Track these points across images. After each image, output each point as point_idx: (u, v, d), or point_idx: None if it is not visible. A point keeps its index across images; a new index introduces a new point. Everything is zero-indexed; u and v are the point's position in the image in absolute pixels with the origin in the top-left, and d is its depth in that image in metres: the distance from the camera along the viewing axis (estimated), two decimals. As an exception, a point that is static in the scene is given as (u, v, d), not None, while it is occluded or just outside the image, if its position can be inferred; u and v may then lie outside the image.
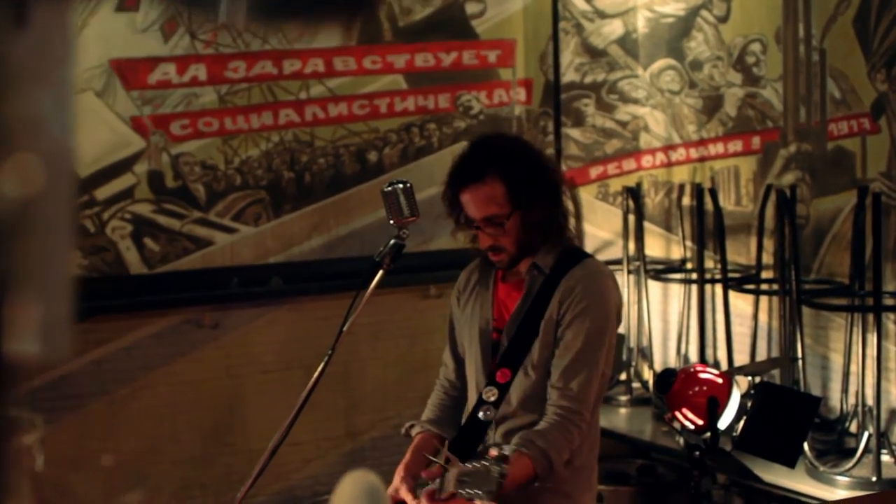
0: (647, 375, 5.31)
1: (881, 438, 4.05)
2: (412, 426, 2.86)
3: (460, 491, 2.36)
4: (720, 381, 3.29)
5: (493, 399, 2.63)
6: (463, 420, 2.77)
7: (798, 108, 4.84)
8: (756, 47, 5.01)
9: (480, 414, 2.65)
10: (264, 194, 4.95)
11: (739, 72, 5.08)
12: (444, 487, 2.39)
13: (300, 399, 2.76)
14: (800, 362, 4.40)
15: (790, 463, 3.45)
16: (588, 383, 2.57)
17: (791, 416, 3.46)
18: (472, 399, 2.75)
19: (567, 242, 2.71)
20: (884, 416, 4.22)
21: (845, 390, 4.48)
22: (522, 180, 2.57)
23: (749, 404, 3.52)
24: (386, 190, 2.95)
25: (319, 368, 2.75)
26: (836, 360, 4.60)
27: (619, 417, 5.17)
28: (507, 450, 2.26)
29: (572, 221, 2.76)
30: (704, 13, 5.23)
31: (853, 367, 4.45)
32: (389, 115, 5.17)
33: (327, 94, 5.04)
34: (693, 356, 5.09)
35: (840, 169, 4.65)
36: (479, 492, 2.30)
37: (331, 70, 5.04)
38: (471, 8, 5.32)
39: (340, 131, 5.08)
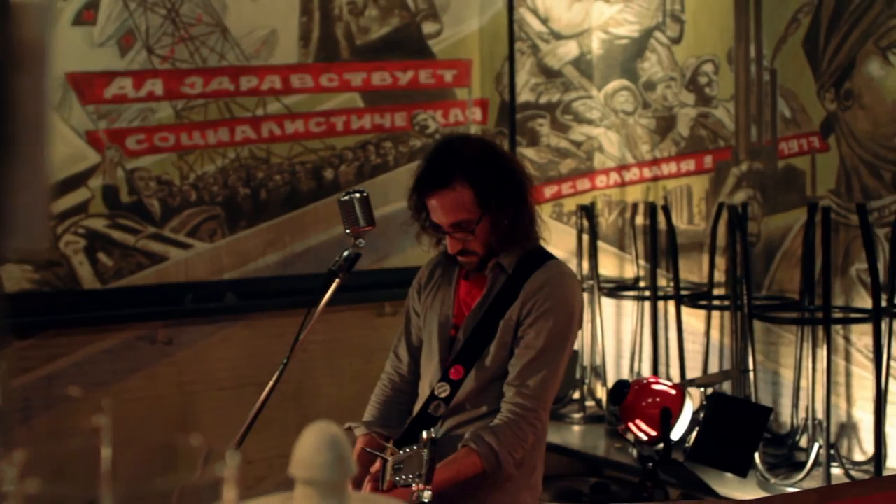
0: (601, 393, 5.33)
1: (831, 451, 4.10)
2: (354, 427, 2.81)
3: (397, 478, 2.37)
4: (673, 392, 3.32)
5: (444, 395, 2.62)
6: (413, 414, 2.76)
7: (749, 128, 4.91)
8: (708, 68, 5.09)
9: (430, 408, 2.65)
10: (220, 210, 4.94)
11: (692, 92, 5.15)
12: (384, 478, 2.40)
13: (250, 414, 2.75)
14: (751, 376, 4.45)
15: (742, 472, 3.48)
16: (546, 383, 2.56)
17: (742, 427, 3.50)
18: (423, 394, 2.74)
19: (533, 243, 2.71)
20: (833, 429, 4.27)
21: (795, 405, 4.53)
22: (490, 185, 2.54)
23: (701, 416, 3.54)
24: (343, 199, 2.95)
25: (272, 381, 2.74)
26: (787, 375, 4.66)
27: (573, 435, 5.18)
28: (435, 433, 2.25)
29: (538, 222, 2.76)
30: (658, 35, 5.30)
31: (803, 383, 4.51)
32: (346, 133, 5.19)
33: (284, 111, 5.05)
34: (646, 373, 5.12)
35: (790, 187, 4.72)
36: (412, 476, 2.30)
37: (288, 87, 5.05)
38: (427, 28, 5.36)
39: (297, 148, 5.09)
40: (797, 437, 4.48)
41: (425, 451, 2.21)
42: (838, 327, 4.33)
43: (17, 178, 0.48)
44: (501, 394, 2.57)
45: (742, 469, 3.48)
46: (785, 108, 4.76)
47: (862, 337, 4.42)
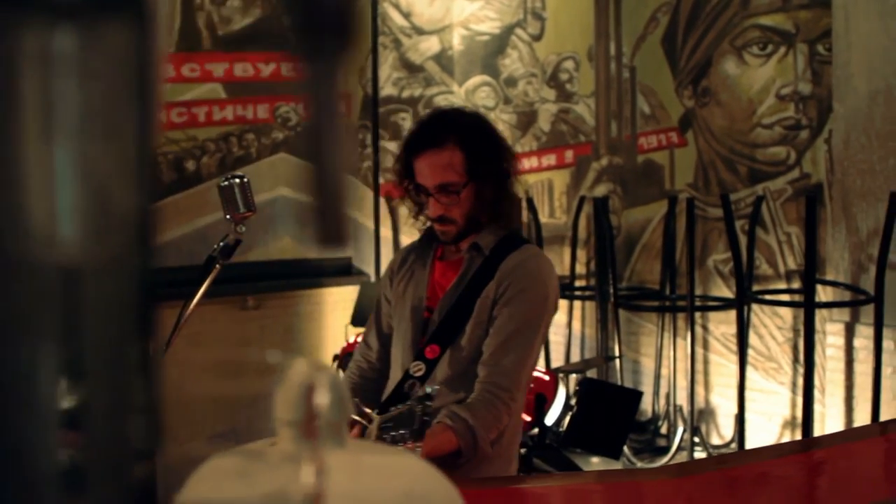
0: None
1: (694, 434, 4.24)
2: None
3: (384, 436, 2.32)
4: (547, 378, 3.38)
5: (419, 374, 2.57)
6: (384, 397, 2.71)
7: (609, 123, 5.04)
8: (569, 65, 5.20)
9: (406, 387, 2.60)
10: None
11: (553, 88, 5.25)
12: (369, 438, 2.34)
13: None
14: (617, 363, 4.56)
15: (615, 455, 3.57)
16: (520, 364, 2.55)
17: (614, 411, 3.59)
18: (394, 377, 2.69)
19: (512, 225, 2.68)
20: (695, 415, 4.41)
21: (656, 392, 4.67)
22: (480, 153, 2.51)
23: (574, 401, 3.62)
24: (222, 184, 2.89)
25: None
26: (647, 363, 4.79)
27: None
28: (430, 390, 2.22)
29: (520, 210, 2.74)
30: (519, 31, 5.39)
31: (664, 371, 4.65)
32: (208, 124, 5.11)
33: (144, 101, 4.94)
34: (509, 364, 5.19)
35: (650, 181, 4.86)
36: (403, 432, 2.25)
37: (148, 76, 4.95)
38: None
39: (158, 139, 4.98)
40: (659, 423, 4.61)
41: (419, 406, 2.16)
42: (696, 316, 4.48)
43: (325, 170, 0.48)
44: (476, 377, 2.54)
45: (615, 451, 3.57)
46: (644, 105, 4.90)
47: (719, 326, 4.59)
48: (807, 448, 2.60)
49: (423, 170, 2.49)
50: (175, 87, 5.04)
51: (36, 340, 0.32)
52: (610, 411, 3.67)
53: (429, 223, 2.66)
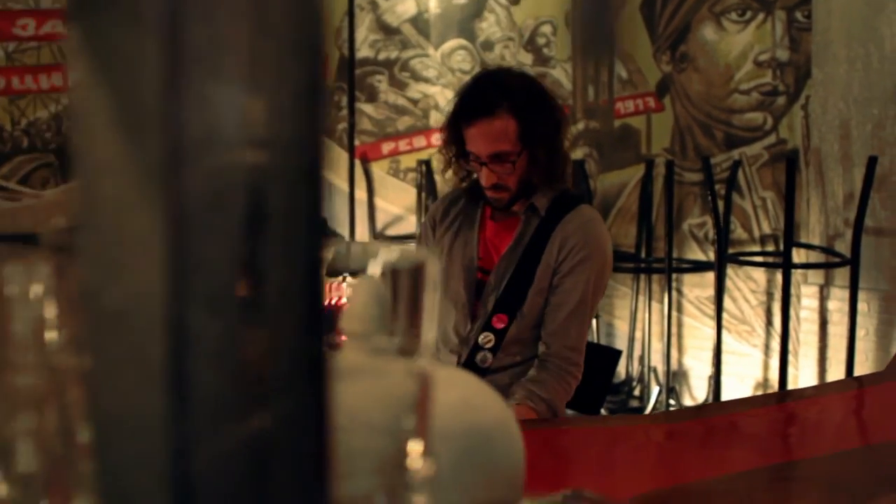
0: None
1: (670, 395, 4.29)
2: None
3: None
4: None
5: (490, 345, 2.52)
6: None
7: (587, 88, 5.07)
8: (547, 29, 5.21)
9: (477, 359, 2.55)
10: (53, 158, 4.77)
11: (530, 52, 5.27)
12: None
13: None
14: (594, 323, 4.60)
15: (596, 412, 3.61)
16: (584, 334, 2.53)
17: (594, 369, 3.62)
18: (446, 338, 2.64)
19: (564, 184, 2.62)
20: (670, 377, 4.47)
21: (630, 354, 4.72)
22: (533, 119, 2.44)
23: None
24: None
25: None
26: (621, 326, 4.84)
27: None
28: (481, 362, 2.22)
29: (571, 167, 2.69)
30: (496, -5, 5.39)
31: (637, 334, 4.70)
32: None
33: (120, 58, 4.90)
34: (483, 327, 5.22)
35: (626, 145, 4.89)
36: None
37: (124, 33, 4.90)
38: (267, -21, 5.29)
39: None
40: (633, 385, 4.67)
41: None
42: (678, 274, 4.53)
43: None
44: (534, 341, 2.50)
45: (594, 409, 3.60)
46: (622, 70, 4.92)
47: (693, 289, 4.65)
48: (782, 400, 2.65)
49: (474, 138, 2.42)
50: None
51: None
52: (589, 369, 3.71)
53: (465, 182, 2.61)
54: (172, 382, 0.32)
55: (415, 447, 0.60)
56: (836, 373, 4.03)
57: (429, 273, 0.60)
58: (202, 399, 0.32)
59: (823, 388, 3.23)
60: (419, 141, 5.71)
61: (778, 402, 2.59)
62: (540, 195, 2.48)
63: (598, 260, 2.47)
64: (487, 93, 2.43)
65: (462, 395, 1.00)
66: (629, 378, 4.71)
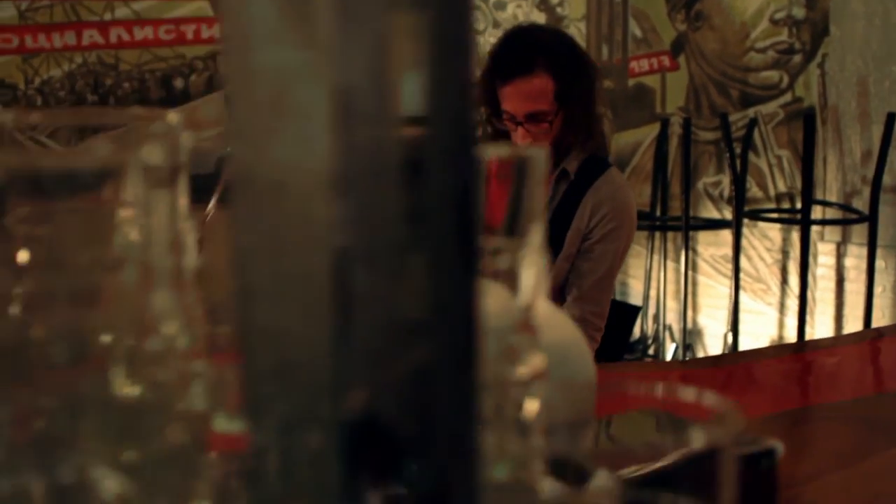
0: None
1: (686, 352, 4.31)
2: None
3: None
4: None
5: None
6: None
7: (601, 47, 5.05)
8: (560, -12, 5.19)
9: None
10: (67, 117, 4.76)
11: (543, 11, 5.24)
12: None
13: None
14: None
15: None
16: (609, 299, 2.54)
17: (613, 325, 3.64)
18: None
19: (594, 146, 2.58)
20: (686, 335, 4.48)
21: (644, 313, 4.73)
22: (570, 78, 2.37)
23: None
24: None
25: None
26: (635, 285, 4.85)
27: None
28: None
29: (603, 127, 2.66)
30: (509, -46, 5.37)
31: (652, 293, 4.70)
32: (196, 42, 5.06)
33: (132, 17, 4.88)
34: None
35: (640, 104, 4.88)
36: None
37: (136, -8, 4.90)
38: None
39: (146, 55, 4.94)
40: (648, 343, 4.68)
41: None
42: (695, 232, 4.54)
43: None
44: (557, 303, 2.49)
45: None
46: (636, 29, 4.91)
47: (708, 248, 4.65)
48: (801, 349, 2.65)
49: (510, 97, 2.36)
50: (163, 4, 4.98)
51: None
52: (608, 325, 3.72)
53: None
54: (339, 311, 0.32)
55: (522, 351, 0.61)
56: (852, 329, 4.04)
57: (536, 167, 0.60)
58: (368, 327, 0.33)
59: (843, 338, 3.24)
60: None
61: (795, 351, 2.60)
62: (572, 158, 2.45)
63: (627, 228, 2.45)
64: (524, 50, 2.38)
65: (539, 314, 1.00)
66: (644, 336, 4.72)
